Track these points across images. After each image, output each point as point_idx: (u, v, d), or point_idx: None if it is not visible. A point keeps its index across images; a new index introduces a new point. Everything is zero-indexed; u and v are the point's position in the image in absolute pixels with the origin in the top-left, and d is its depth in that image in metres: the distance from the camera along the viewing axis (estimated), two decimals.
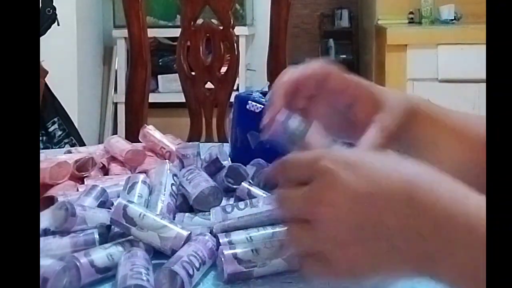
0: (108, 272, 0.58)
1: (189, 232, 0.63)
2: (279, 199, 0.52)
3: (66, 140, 2.47)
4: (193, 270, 0.57)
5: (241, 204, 0.69)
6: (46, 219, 0.65)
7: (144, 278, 0.55)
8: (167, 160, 0.87)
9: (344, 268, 0.48)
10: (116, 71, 3.38)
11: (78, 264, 0.57)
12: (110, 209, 0.72)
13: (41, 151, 0.94)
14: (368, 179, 0.47)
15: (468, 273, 0.43)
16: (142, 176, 0.76)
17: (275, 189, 0.53)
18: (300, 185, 0.50)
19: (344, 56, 4.59)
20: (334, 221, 0.47)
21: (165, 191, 0.72)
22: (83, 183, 0.85)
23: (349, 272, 0.48)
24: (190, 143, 0.92)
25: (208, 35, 1.53)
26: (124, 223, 0.60)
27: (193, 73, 1.54)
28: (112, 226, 0.65)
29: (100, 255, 0.59)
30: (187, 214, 0.71)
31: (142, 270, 0.56)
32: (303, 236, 0.49)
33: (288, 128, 0.62)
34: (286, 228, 0.51)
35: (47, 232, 0.65)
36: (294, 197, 0.50)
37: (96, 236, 0.63)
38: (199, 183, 0.74)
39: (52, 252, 0.60)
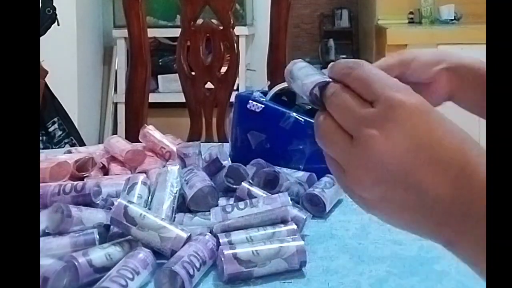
0: (106, 271, 0.58)
1: (188, 234, 0.63)
2: (339, 97, 0.48)
3: (66, 140, 2.47)
4: (194, 270, 0.57)
5: (241, 204, 0.69)
6: (45, 219, 0.65)
7: (123, 282, 0.55)
8: (168, 162, 0.87)
9: (358, 198, 0.48)
10: (116, 71, 3.38)
11: (76, 263, 0.57)
12: (110, 208, 0.72)
13: (41, 151, 0.94)
14: (432, 131, 0.45)
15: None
16: (142, 177, 0.76)
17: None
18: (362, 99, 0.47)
19: (344, 56, 4.59)
20: (379, 151, 0.45)
21: (169, 192, 0.73)
22: None
23: (362, 204, 0.48)
24: (191, 142, 0.92)
25: (208, 35, 1.53)
26: (125, 222, 0.61)
27: (193, 73, 1.54)
28: (112, 226, 0.65)
29: (98, 254, 0.59)
30: (187, 214, 0.71)
31: (127, 274, 0.55)
32: (337, 144, 0.47)
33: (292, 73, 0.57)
34: (322, 124, 0.48)
35: (47, 232, 0.65)
36: (353, 105, 0.47)
37: (96, 236, 0.63)
38: (195, 183, 0.74)
39: (52, 252, 0.60)
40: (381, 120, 0.45)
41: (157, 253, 0.62)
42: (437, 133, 0.45)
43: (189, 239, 0.62)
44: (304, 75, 0.53)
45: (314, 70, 0.54)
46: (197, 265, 0.58)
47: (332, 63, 0.52)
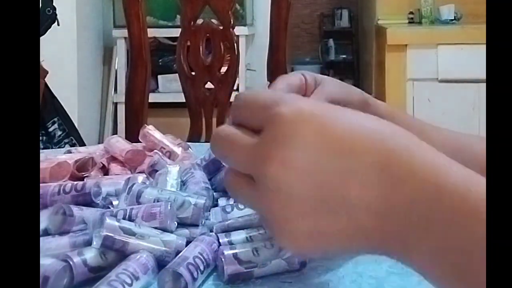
0: (101, 271, 0.58)
1: (188, 234, 0.63)
2: (223, 141, 0.42)
3: (66, 140, 2.47)
4: (198, 273, 0.57)
5: (241, 204, 0.69)
6: (45, 219, 0.65)
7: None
8: (168, 163, 0.87)
9: (286, 242, 0.40)
10: (116, 71, 3.39)
11: (71, 263, 0.57)
12: (109, 207, 0.72)
13: (41, 151, 0.94)
14: (334, 136, 0.38)
15: (446, 261, 0.35)
16: (141, 177, 0.76)
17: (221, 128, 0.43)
18: (252, 131, 0.40)
19: (344, 56, 4.60)
20: (283, 184, 0.37)
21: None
22: None
23: (292, 247, 0.40)
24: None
25: (208, 35, 1.53)
26: (123, 234, 0.60)
27: (193, 73, 1.54)
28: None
29: (93, 254, 0.59)
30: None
31: (125, 278, 0.55)
32: (244, 193, 0.41)
33: None
34: (226, 175, 0.42)
35: (46, 232, 0.65)
36: (239, 145, 0.40)
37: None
38: (188, 185, 0.75)
39: (51, 252, 0.60)
40: (271, 148, 0.38)
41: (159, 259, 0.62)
42: (338, 135, 0.38)
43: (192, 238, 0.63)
44: None
45: None
46: (202, 268, 0.58)
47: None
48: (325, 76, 0.63)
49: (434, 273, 0.36)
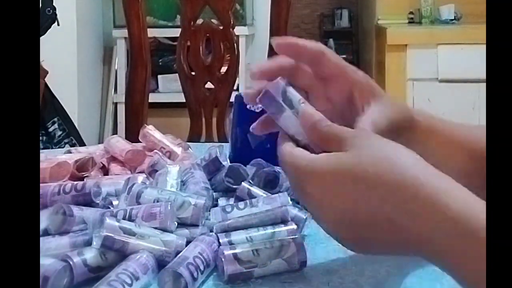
0: (101, 271, 0.58)
1: (188, 234, 0.63)
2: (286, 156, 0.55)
3: (66, 140, 2.47)
4: (198, 273, 0.57)
5: (241, 204, 0.69)
6: (45, 219, 0.65)
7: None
8: (168, 163, 0.87)
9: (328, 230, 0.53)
10: (116, 71, 3.38)
11: (71, 263, 0.57)
12: (109, 207, 0.72)
13: (41, 151, 0.93)
14: (368, 164, 0.48)
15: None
16: (141, 177, 0.76)
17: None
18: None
19: (344, 56, 4.58)
20: (323, 192, 0.50)
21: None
22: None
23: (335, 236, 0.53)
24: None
25: (208, 35, 1.53)
26: (123, 234, 0.60)
27: (193, 73, 1.54)
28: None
29: (93, 254, 0.59)
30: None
31: (125, 278, 0.55)
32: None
33: (286, 95, 0.58)
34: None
35: (46, 232, 0.65)
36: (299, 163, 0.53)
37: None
38: (188, 186, 0.75)
39: (51, 252, 0.60)
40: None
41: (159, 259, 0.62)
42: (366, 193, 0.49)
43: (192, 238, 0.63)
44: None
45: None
46: (202, 268, 0.58)
47: None
48: (382, 92, 0.65)
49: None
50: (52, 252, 0.60)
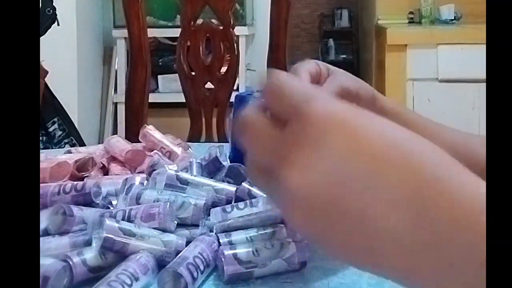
0: (101, 271, 0.58)
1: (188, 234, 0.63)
2: (249, 127, 0.39)
3: (66, 140, 2.47)
4: (198, 273, 0.57)
5: (241, 204, 0.69)
6: (45, 219, 0.65)
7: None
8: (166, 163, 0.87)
9: (294, 226, 0.37)
10: (116, 71, 3.38)
11: (70, 263, 0.57)
12: (108, 207, 0.72)
13: (41, 151, 0.93)
14: (368, 153, 0.34)
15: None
16: (139, 178, 0.76)
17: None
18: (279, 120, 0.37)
19: (344, 56, 4.60)
20: (308, 188, 0.35)
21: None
22: None
23: (300, 232, 0.39)
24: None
25: (208, 35, 1.53)
26: (122, 235, 0.60)
27: (193, 73, 1.54)
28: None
29: (93, 254, 0.59)
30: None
31: (125, 279, 0.55)
32: (261, 184, 0.39)
33: None
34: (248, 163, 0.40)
35: (46, 232, 0.65)
36: (263, 136, 0.38)
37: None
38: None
39: (51, 252, 0.60)
40: (291, 145, 0.35)
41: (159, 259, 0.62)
42: (368, 147, 0.34)
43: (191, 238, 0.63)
44: None
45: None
46: (201, 267, 0.58)
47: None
48: (337, 68, 0.64)
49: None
50: (52, 252, 0.60)
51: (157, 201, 0.67)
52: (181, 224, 0.66)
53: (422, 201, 0.33)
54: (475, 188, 0.35)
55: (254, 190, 0.75)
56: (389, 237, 0.34)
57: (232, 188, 0.74)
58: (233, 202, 0.73)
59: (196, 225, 0.66)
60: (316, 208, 0.35)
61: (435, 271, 0.33)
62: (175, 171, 0.76)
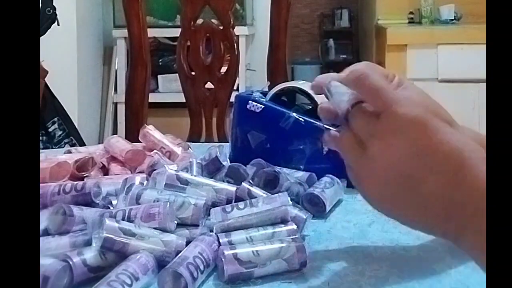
0: (101, 271, 0.58)
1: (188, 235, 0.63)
2: (353, 117, 0.56)
3: (66, 140, 2.47)
4: (198, 273, 0.57)
5: (241, 204, 0.69)
6: (45, 219, 0.65)
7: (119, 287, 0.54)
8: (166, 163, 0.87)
9: (368, 197, 0.55)
10: (116, 71, 3.39)
11: (70, 263, 0.57)
12: (108, 207, 0.72)
13: (41, 151, 0.93)
14: (429, 142, 0.51)
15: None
16: (139, 178, 0.76)
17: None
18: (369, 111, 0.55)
19: (344, 56, 4.60)
20: (379, 157, 0.52)
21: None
22: None
23: (378, 206, 0.55)
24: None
25: (208, 35, 1.53)
26: (122, 235, 0.60)
27: (193, 73, 1.54)
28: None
29: (93, 254, 0.59)
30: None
31: (125, 279, 0.55)
32: (351, 152, 0.56)
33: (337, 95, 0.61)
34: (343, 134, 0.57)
35: (46, 232, 0.65)
36: (366, 117, 0.54)
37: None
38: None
39: (51, 252, 0.60)
40: (385, 131, 0.53)
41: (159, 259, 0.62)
42: (433, 141, 0.51)
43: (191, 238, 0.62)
44: (341, 93, 0.59)
45: (345, 88, 0.59)
46: (201, 267, 0.58)
47: (348, 69, 0.58)
48: None
49: (479, 252, 0.46)
50: (52, 252, 0.60)
51: (157, 201, 0.67)
52: (181, 224, 0.66)
53: (457, 181, 0.49)
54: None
55: (254, 190, 0.75)
56: (434, 200, 0.50)
57: (232, 188, 0.74)
58: (233, 202, 0.73)
59: (196, 225, 0.66)
60: (389, 173, 0.52)
61: (461, 223, 0.49)
62: (175, 171, 0.76)
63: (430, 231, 0.54)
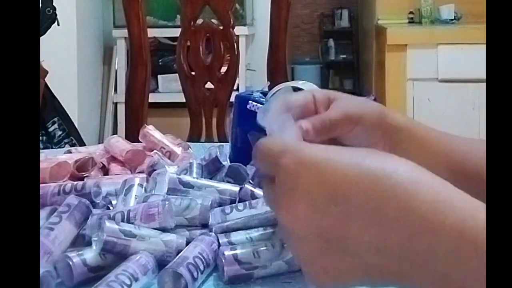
0: (101, 271, 0.58)
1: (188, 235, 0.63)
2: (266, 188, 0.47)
3: (66, 140, 2.47)
4: (198, 273, 0.57)
5: (240, 206, 0.69)
6: (44, 218, 0.65)
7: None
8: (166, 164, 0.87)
9: (310, 276, 0.44)
10: (116, 71, 3.38)
11: (70, 263, 0.57)
12: (109, 208, 0.72)
13: (41, 151, 0.93)
14: (331, 183, 0.41)
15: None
16: (138, 179, 0.76)
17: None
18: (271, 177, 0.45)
19: (344, 56, 4.60)
20: (292, 231, 0.42)
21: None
22: None
23: (317, 284, 0.44)
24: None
25: (208, 35, 1.53)
26: (123, 237, 0.60)
27: (193, 73, 1.54)
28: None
29: (93, 254, 0.59)
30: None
31: (125, 279, 0.55)
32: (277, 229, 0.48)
33: None
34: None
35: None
36: (264, 191, 0.47)
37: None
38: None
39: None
40: (279, 198, 0.43)
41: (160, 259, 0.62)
42: (337, 182, 0.41)
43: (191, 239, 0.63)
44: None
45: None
46: (201, 268, 0.58)
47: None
48: (339, 93, 0.60)
49: None
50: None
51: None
52: (181, 225, 0.66)
53: (387, 217, 0.39)
54: (442, 199, 0.39)
55: (257, 191, 0.75)
56: (366, 250, 0.40)
57: (235, 188, 0.74)
58: (236, 203, 0.73)
59: (205, 225, 0.66)
60: (309, 242, 0.42)
61: (405, 269, 0.39)
62: (177, 174, 0.76)
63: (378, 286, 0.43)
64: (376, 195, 0.40)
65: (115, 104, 3.38)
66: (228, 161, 0.88)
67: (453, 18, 3.35)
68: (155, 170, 0.82)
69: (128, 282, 0.55)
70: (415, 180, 0.40)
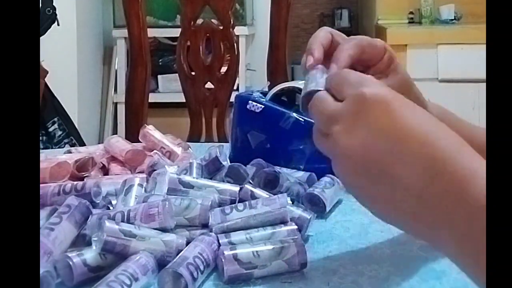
0: (101, 271, 0.58)
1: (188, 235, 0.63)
2: (317, 103, 0.53)
3: (66, 140, 2.47)
4: (198, 273, 0.57)
5: (240, 206, 0.69)
6: (44, 217, 0.65)
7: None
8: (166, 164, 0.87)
9: (349, 188, 0.51)
10: (116, 71, 3.38)
11: (70, 263, 0.57)
12: (109, 208, 0.72)
13: (41, 151, 0.93)
14: (397, 124, 0.46)
15: (468, 248, 0.42)
16: (138, 179, 0.76)
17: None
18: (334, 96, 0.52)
19: None
20: (345, 146, 0.48)
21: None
22: None
23: (355, 196, 0.51)
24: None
25: (208, 35, 1.53)
26: (123, 237, 0.60)
27: (193, 73, 1.54)
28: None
29: (93, 254, 0.59)
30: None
31: (125, 279, 0.55)
32: (320, 145, 0.52)
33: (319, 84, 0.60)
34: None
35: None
36: (324, 109, 0.51)
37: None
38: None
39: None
40: (345, 115, 0.49)
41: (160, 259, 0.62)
42: (401, 124, 0.46)
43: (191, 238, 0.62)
44: (308, 81, 0.60)
45: (321, 74, 0.59)
46: (202, 268, 0.58)
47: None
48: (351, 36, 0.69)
49: (457, 257, 0.43)
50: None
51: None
52: (181, 225, 0.66)
53: (432, 171, 0.44)
54: (475, 170, 0.44)
55: (257, 191, 0.75)
56: (403, 191, 0.45)
57: (235, 188, 0.74)
58: (236, 203, 0.73)
59: (205, 225, 0.66)
60: (356, 162, 0.47)
61: (436, 219, 0.44)
62: (177, 174, 0.76)
63: (402, 228, 0.50)
64: (430, 151, 0.45)
65: (115, 104, 3.38)
66: (228, 161, 0.88)
67: (453, 18, 3.35)
68: (155, 170, 0.82)
69: (128, 282, 0.55)
70: (462, 150, 0.45)
